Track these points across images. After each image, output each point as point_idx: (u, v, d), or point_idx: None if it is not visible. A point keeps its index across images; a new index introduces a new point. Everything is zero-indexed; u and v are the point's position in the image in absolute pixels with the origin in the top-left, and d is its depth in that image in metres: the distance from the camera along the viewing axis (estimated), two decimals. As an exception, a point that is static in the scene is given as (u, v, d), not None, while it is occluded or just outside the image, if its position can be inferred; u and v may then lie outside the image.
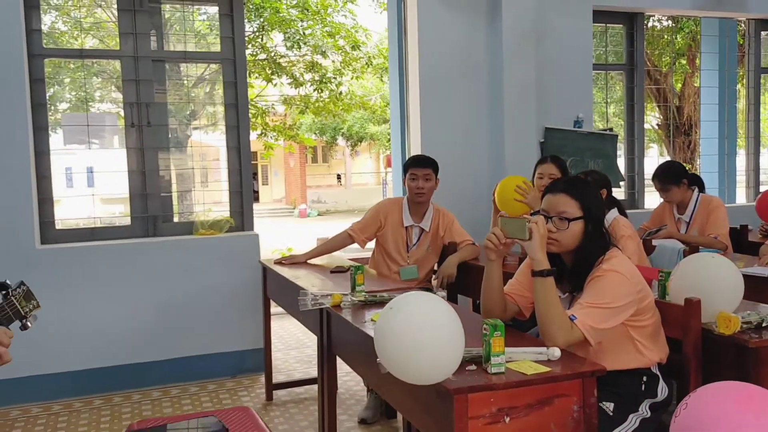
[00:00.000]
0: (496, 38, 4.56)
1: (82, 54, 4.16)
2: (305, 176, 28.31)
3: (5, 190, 3.65)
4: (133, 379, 3.95)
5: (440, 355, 1.61)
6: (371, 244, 3.75)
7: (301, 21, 10.60)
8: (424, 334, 1.59)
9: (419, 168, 3.51)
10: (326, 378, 2.76)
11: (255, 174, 28.43)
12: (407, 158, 4.07)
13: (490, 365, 1.69)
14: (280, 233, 16.83)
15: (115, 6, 4.00)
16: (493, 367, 1.69)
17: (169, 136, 4.22)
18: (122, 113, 4.18)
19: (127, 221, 4.12)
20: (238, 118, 4.23)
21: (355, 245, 3.72)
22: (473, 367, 1.74)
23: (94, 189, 4.22)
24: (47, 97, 3.87)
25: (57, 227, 3.95)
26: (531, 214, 2.15)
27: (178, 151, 4.45)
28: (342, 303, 2.56)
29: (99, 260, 3.87)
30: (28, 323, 1.62)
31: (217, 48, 4.24)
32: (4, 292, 1.55)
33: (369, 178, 31.68)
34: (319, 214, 25.14)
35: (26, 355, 3.70)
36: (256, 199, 25.12)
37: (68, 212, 3.95)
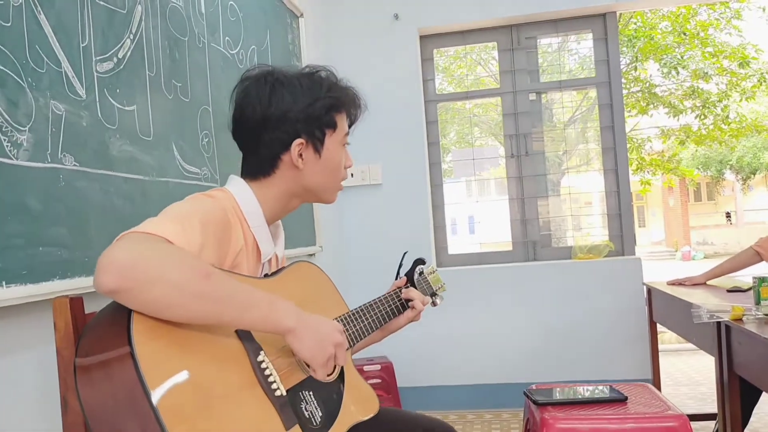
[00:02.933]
0: None
1: (467, 95, 4.60)
2: (687, 216, 26.10)
3: (409, 218, 4.19)
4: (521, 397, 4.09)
5: None
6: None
7: (678, 45, 9.97)
8: None
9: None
10: (728, 403, 2.48)
11: (630, 216, 27.30)
12: None
13: None
14: (663, 277, 15.78)
15: (496, 50, 4.34)
16: None
17: (546, 164, 4.36)
18: (502, 152, 4.47)
19: (509, 246, 4.35)
20: (614, 140, 4.17)
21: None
22: None
23: (476, 219, 4.56)
24: (439, 137, 4.36)
25: (449, 252, 4.37)
26: None
27: (554, 179, 4.57)
28: (744, 317, 2.30)
29: (486, 282, 4.15)
30: (437, 300, 1.83)
31: (591, 74, 4.30)
32: (421, 267, 1.80)
33: (766, 216, 27.72)
34: (705, 257, 22.86)
35: (429, 367, 4.15)
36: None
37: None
